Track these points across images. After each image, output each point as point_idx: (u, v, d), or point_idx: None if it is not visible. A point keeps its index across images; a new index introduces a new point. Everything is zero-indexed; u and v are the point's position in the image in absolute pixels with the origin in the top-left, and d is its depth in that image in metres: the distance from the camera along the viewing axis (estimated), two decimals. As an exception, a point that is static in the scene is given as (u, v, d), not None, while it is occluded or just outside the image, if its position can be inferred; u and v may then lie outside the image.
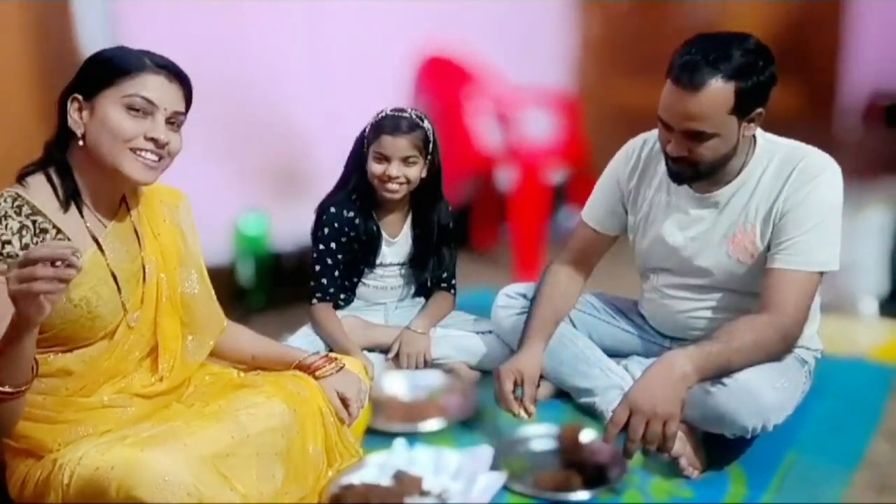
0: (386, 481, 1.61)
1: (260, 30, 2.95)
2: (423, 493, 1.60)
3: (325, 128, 3.08)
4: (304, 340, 2.09)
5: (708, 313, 1.85)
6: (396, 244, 2.21)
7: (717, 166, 1.70)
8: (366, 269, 2.22)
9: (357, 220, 2.14)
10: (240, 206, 3.00)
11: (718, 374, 1.58)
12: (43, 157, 1.43)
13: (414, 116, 2.09)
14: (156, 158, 1.41)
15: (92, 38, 2.41)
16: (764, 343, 1.61)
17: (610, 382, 1.91)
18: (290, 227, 2.99)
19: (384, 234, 2.19)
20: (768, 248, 1.71)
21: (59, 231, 1.37)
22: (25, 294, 1.12)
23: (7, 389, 1.24)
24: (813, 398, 1.86)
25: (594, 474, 1.67)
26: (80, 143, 1.39)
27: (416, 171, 2.09)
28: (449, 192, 2.24)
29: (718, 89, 1.58)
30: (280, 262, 3.10)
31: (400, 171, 2.06)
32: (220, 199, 2.80)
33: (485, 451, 1.73)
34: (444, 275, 2.28)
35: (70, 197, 1.40)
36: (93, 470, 1.27)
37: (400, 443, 1.74)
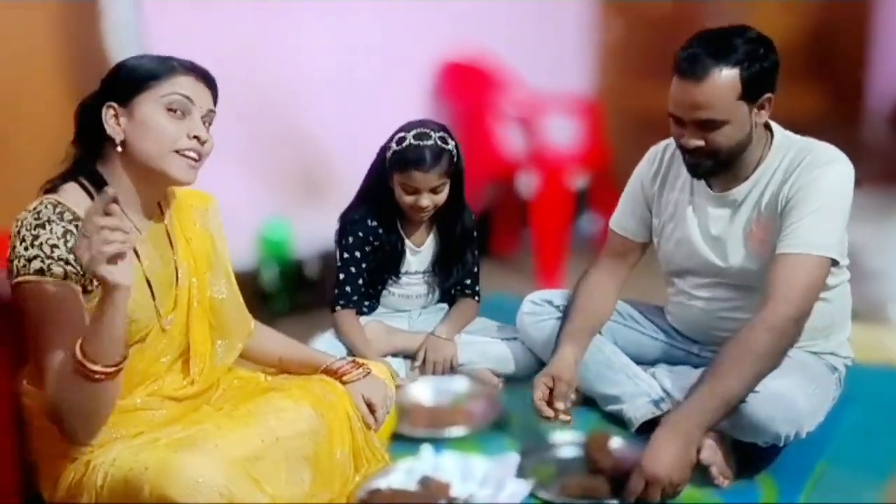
0: (413, 487, 1.60)
1: (284, 38, 2.96)
2: (450, 499, 1.59)
3: (347, 135, 3.08)
4: (326, 345, 2.09)
5: (734, 314, 1.83)
6: (421, 252, 2.21)
7: (735, 154, 1.71)
8: (390, 278, 2.21)
9: (381, 230, 2.14)
10: (264, 213, 3.01)
11: (725, 413, 1.57)
12: (71, 167, 1.43)
13: (437, 141, 2.03)
14: (196, 157, 1.42)
15: (121, 51, 2.44)
16: (753, 353, 1.56)
17: (637, 390, 1.90)
18: (313, 233, 3.00)
19: (409, 243, 2.19)
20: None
21: None
22: (98, 254, 1.15)
23: (100, 368, 1.23)
24: (844, 406, 1.84)
25: (622, 482, 1.65)
26: (120, 149, 1.39)
27: (444, 194, 2.08)
28: (470, 198, 2.24)
29: (723, 77, 1.62)
30: (302, 267, 3.11)
31: (430, 200, 2.06)
32: (244, 206, 2.81)
33: (511, 459, 1.72)
34: (468, 281, 2.28)
35: None
36: (126, 471, 1.28)
37: (427, 448, 1.74)
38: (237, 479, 1.29)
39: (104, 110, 1.39)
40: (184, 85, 1.41)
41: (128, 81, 1.40)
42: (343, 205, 2.21)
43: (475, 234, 2.24)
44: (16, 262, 1.31)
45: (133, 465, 1.28)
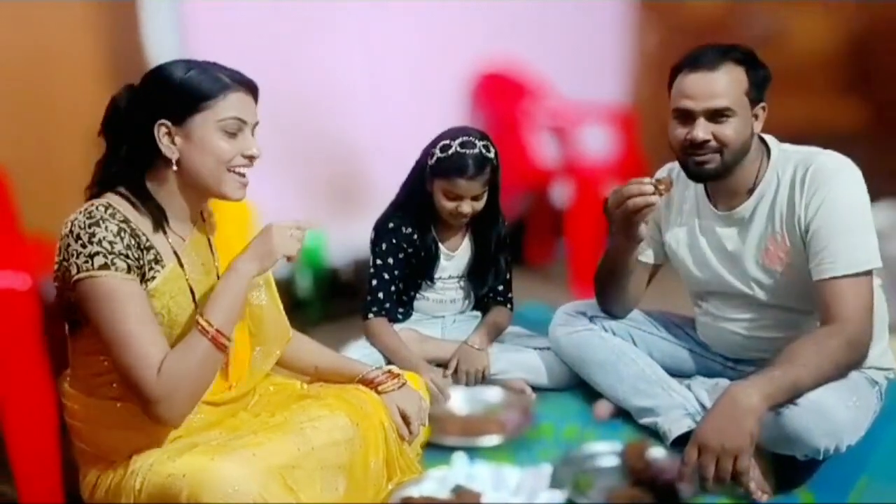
0: (445, 495, 1.60)
1: (320, 48, 3.00)
2: (483, 509, 1.58)
3: (382, 144, 3.11)
4: (360, 353, 2.09)
5: (762, 332, 1.82)
6: (455, 257, 2.22)
7: (738, 156, 1.71)
8: (425, 283, 2.22)
9: (416, 236, 2.15)
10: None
11: (789, 397, 1.54)
12: (117, 177, 1.43)
13: (481, 149, 2.03)
14: (246, 172, 1.45)
15: (160, 53, 2.48)
16: (830, 354, 1.57)
17: (672, 402, 1.87)
18: (347, 241, 3.02)
19: (443, 249, 2.19)
20: (808, 261, 1.69)
21: (147, 239, 1.40)
22: (286, 247, 1.50)
23: (225, 340, 1.37)
24: (885, 420, 1.80)
25: (665, 492, 1.63)
26: (175, 168, 1.40)
27: (483, 201, 2.09)
28: (504, 208, 2.24)
29: (733, 69, 1.68)
30: (336, 274, 3.13)
31: (470, 206, 2.07)
32: (279, 213, 2.83)
33: (544, 468, 1.71)
34: (501, 288, 2.28)
35: (158, 219, 1.43)
36: (164, 477, 1.30)
37: (460, 457, 1.73)
38: (272, 488, 1.30)
39: (157, 128, 1.38)
40: (236, 104, 1.41)
41: (182, 101, 1.38)
42: (377, 213, 2.22)
43: (508, 240, 2.24)
44: (75, 259, 1.31)
45: (171, 471, 1.30)
